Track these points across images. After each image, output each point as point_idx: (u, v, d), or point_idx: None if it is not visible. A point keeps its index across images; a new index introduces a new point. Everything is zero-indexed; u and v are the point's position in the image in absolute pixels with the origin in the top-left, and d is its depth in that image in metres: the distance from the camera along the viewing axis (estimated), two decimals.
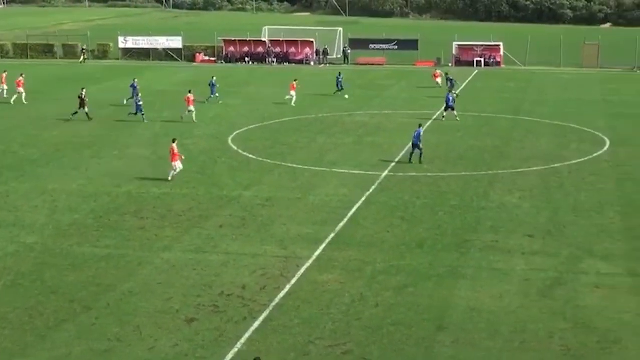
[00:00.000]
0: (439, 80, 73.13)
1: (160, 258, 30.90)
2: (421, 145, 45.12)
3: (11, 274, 29.37)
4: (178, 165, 41.50)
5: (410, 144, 45.73)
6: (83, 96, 58.50)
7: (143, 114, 57.43)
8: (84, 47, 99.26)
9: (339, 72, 71.24)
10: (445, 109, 58.13)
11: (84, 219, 35.67)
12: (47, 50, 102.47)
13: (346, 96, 67.29)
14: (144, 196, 39.21)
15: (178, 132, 53.92)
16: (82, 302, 26.88)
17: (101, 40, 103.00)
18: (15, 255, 31.24)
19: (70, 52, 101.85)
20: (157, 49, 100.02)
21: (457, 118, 57.63)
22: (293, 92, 65.23)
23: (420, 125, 46.71)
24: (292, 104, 64.60)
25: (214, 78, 68.25)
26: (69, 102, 66.33)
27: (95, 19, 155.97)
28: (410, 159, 45.32)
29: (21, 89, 65.92)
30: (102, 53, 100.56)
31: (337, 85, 69.60)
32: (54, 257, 31.02)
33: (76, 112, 58.26)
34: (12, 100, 65.30)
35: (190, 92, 58.01)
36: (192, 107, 57.01)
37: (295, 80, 66.50)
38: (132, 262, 30.48)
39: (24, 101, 65.56)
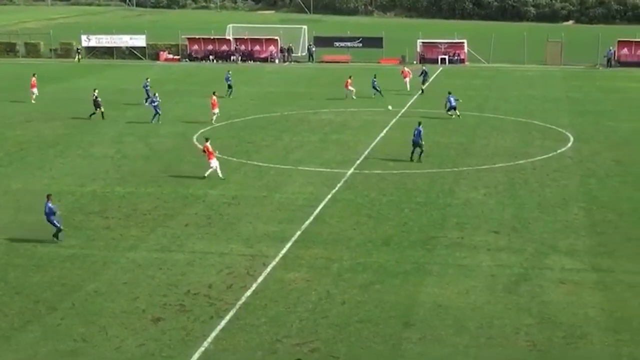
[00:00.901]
0: (407, 80, 71.17)
1: (125, 257, 30.75)
2: (422, 143, 45.10)
3: None
4: (215, 162, 41.49)
5: (411, 142, 45.24)
6: (95, 97, 57.94)
7: (159, 115, 56.48)
8: (79, 48, 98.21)
9: (374, 75, 69.80)
10: (448, 110, 57.75)
11: None
12: (9, 49, 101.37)
13: (389, 107, 61.36)
14: (109, 195, 39.00)
15: (143, 130, 53.87)
16: (47, 302, 26.70)
17: (64, 38, 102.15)
18: None
19: (32, 50, 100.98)
20: (120, 48, 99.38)
21: (459, 116, 57.76)
22: (352, 88, 66.44)
23: (419, 123, 46.11)
24: (353, 96, 66.24)
25: (230, 72, 69.60)
26: (31, 101, 65.92)
27: (58, 17, 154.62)
28: (411, 157, 45.13)
29: (35, 89, 65.67)
30: (65, 52, 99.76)
31: (374, 87, 67.95)
32: (18, 257, 30.77)
33: (93, 113, 57.87)
34: (32, 100, 65.01)
35: (214, 93, 57.66)
36: (216, 110, 56.37)
37: (350, 77, 67.41)
38: (97, 261, 30.30)
39: (33, 101, 65.08)
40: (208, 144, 41.79)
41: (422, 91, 68.55)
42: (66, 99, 65.39)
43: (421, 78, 70.36)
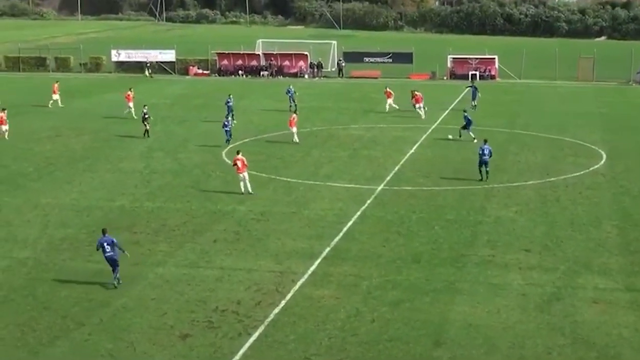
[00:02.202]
0: (420, 104, 65.95)
1: (154, 273, 30.80)
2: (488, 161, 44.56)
3: (3, 289, 29.30)
4: (246, 175, 41.52)
5: (480, 161, 44.40)
6: (145, 113, 57.00)
7: (229, 140, 54.15)
8: (148, 64, 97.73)
9: (411, 90, 68.64)
10: (463, 128, 55.98)
11: (76, 233, 35.56)
12: (39, 64, 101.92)
13: (450, 136, 56.66)
14: (137, 210, 39.11)
15: (171, 145, 54.06)
16: (75, 317, 26.78)
17: (94, 53, 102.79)
18: (7, 270, 31.16)
19: (62, 64, 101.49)
20: (150, 62, 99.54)
21: (458, 137, 55.90)
22: (421, 104, 65.59)
23: (485, 141, 45.30)
24: (422, 116, 64.89)
25: (291, 86, 70.29)
26: (61, 115, 66.38)
27: (88, 32, 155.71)
28: (481, 176, 44.26)
29: (131, 104, 64.90)
30: (95, 66, 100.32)
31: (415, 107, 66.30)
32: (46, 272, 30.91)
33: (146, 130, 56.88)
34: (125, 113, 64.57)
35: (295, 112, 57.62)
36: (294, 129, 55.00)
37: (415, 91, 67.06)
38: (125, 277, 30.28)
39: (134, 116, 63.75)
40: (241, 156, 41.77)
41: (475, 107, 67.67)
42: (95, 113, 65.72)
43: (472, 94, 69.82)
